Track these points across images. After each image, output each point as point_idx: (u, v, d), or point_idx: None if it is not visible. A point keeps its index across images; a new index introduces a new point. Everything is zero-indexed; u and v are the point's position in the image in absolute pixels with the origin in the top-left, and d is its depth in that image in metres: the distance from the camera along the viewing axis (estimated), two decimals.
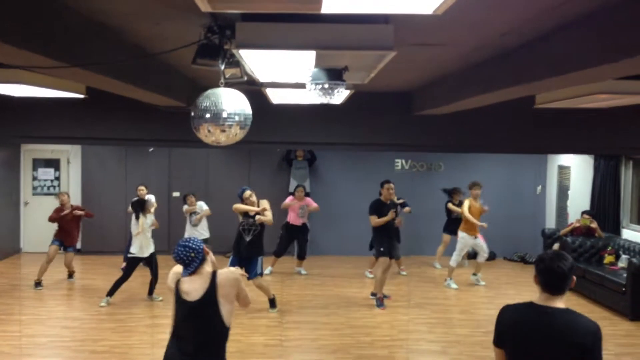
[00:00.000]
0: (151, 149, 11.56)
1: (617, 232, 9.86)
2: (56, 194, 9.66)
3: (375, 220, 8.23)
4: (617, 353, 6.55)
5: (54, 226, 9.49)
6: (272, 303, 7.93)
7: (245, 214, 7.81)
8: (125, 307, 8.11)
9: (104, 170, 11.72)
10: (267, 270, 9.90)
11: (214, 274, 3.51)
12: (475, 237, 9.55)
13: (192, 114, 3.22)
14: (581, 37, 2.78)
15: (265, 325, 7.45)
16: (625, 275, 8.23)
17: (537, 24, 2.96)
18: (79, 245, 11.55)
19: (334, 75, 3.14)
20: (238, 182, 11.75)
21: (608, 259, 9.20)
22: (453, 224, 10.39)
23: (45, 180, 11.93)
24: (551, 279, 2.86)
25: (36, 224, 11.54)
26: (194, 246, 3.53)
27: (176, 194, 11.72)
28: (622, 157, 9.79)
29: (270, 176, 11.87)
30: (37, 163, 11.89)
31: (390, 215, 8.14)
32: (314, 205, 10.06)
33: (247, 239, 7.74)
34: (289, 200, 10.15)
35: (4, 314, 7.80)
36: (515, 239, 11.79)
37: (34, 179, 11.90)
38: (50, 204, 11.34)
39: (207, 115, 3.15)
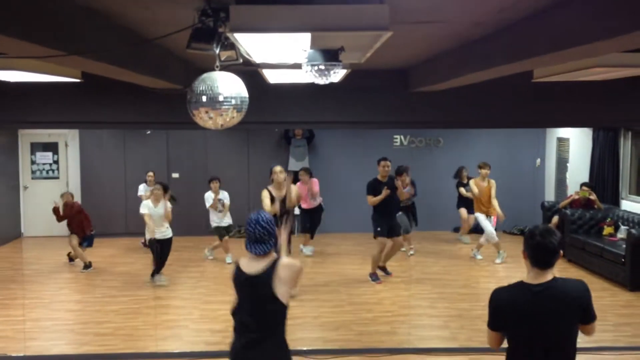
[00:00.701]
0: (148, 132, 11.53)
1: (616, 203, 9.89)
2: (61, 194, 9.67)
3: (371, 200, 8.25)
4: (616, 323, 6.62)
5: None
6: None
7: (273, 200, 7.43)
8: (129, 289, 8.17)
9: (102, 153, 11.71)
10: (308, 251, 10.05)
11: (277, 259, 3.47)
12: (489, 217, 9.56)
13: (188, 98, 3.20)
14: (578, 13, 2.76)
15: None
16: (624, 246, 8.29)
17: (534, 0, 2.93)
18: None
19: (330, 55, 3.11)
20: (237, 161, 11.77)
21: (607, 230, 9.24)
22: (464, 200, 10.53)
23: (44, 164, 11.93)
24: (543, 254, 2.89)
25: (36, 208, 11.58)
26: (271, 228, 3.48)
27: (175, 175, 11.73)
28: (620, 129, 9.78)
29: (270, 155, 11.86)
30: (35, 147, 11.88)
31: (384, 193, 8.10)
32: (315, 190, 9.87)
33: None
34: (300, 189, 10.00)
35: (8, 298, 7.86)
36: (514, 212, 11.81)
37: (33, 163, 11.90)
38: (49, 188, 11.37)
39: (203, 99, 3.13)
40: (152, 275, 8.42)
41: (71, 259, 9.61)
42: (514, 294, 2.96)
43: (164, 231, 8.31)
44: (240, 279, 3.52)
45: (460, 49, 4.51)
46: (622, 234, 8.91)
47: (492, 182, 9.64)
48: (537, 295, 2.88)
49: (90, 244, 9.37)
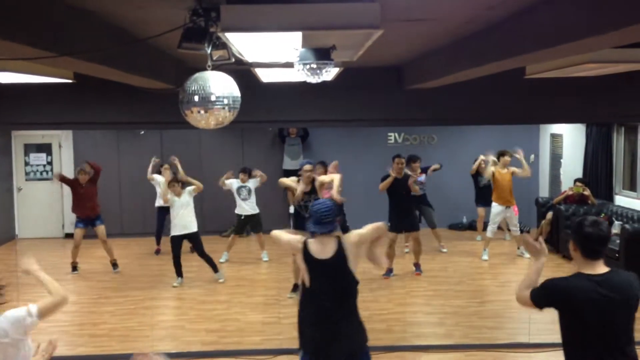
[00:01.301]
0: (142, 132, 11.50)
1: (610, 198, 9.92)
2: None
3: (381, 185, 8.41)
4: None
5: (50, 212, 9.42)
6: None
7: (304, 192, 7.35)
8: (124, 290, 8.16)
9: (96, 154, 11.64)
10: None
11: (339, 238, 3.77)
12: (508, 207, 9.43)
13: (180, 98, 3.20)
14: (566, 9, 2.77)
15: (263, 303, 7.51)
16: (618, 241, 8.31)
17: None
18: (73, 230, 11.58)
19: (322, 54, 3.11)
20: (231, 160, 11.73)
21: None
22: (482, 194, 10.27)
23: (38, 165, 11.89)
24: (594, 244, 2.93)
25: (30, 210, 11.54)
26: (334, 210, 3.77)
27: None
28: (613, 124, 9.81)
29: (264, 153, 11.86)
30: (29, 148, 11.83)
31: (391, 177, 8.21)
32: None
33: (306, 215, 7.30)
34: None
35: (2, 300, 7.83)
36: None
37: (26, 164, 11.85)
38: (43, 189, 11.34)
39: (196, 99, 3.12)
40: (179, 275, 8.27)
41: (74, 268, 9.26)
42: (574, 284, 2.96)
43: (189, 225, 8.19)
44: (314, 265, 3.70)
45: (453, 46, 4.52)
46: (616, 229, 8.94)
47: (513, 169, 9.44)
48: (599, 284, 2.90)
49: (102, 221, 9.16)
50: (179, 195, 8.28)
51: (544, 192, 11.96)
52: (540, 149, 12.21)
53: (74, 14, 3.06)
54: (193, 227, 8.26)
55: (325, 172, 9.01)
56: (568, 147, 11.19)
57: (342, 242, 3.75)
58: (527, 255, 9.42)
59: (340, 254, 3.70)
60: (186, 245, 8.50)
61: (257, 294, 7.88)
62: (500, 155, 9.58)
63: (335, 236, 3.77)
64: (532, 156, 12.18)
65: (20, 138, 11.71)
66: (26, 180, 11.85)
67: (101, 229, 9.07)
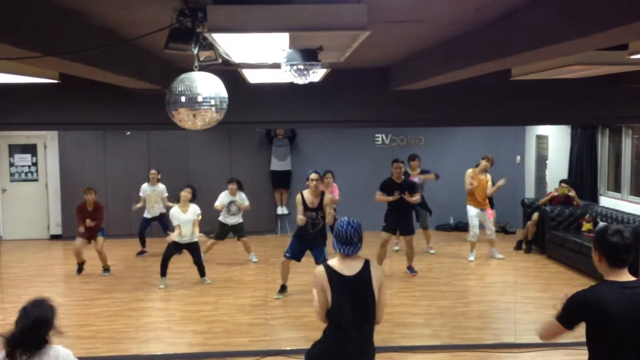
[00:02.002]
0: (128, 132, 11.44)
1: (595, 199, 10.02)
2: (84, 189, 9.19)
3: (378, 196, 8.48)
4: None
5: (35, 213, 9.34)
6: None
7: (306, 208, 7.25)
8: (109, 292, 8.11)
9: (82, 154, 11.59)
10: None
11: (367, 260, 3.73)
12: (482, 210, 9.51)
13: (167, 98, 3.19)
14: (553, 11, 2.79)
15: (250, 304, 7.49)
16: None
17: None
18: (59, 231, 11.49)
19: (309, 55, 3.11)
20: (219, 161, 11.71)
21: (586, 226, 9.37)
22: None
23: (23, 166, 11.78)
24: (621, 253, 2.89)
25: (15, 212, 11.43)
26: (360, 231, 3.71)
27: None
28: (598, 126, 9.90)
29: (252, 154, 11.84)
30: (13, 149, 11.72)
31: (396, 196, 8.27)
32: (336, 197, 9.33)
33: (312, 231, 7.34)
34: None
35: None
36: (495, 210, 11.91)
37: (11, 165, 11.74)
38: (28, 190, 11.23)
39: (182, 100, 3.11)
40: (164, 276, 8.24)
41: (105, 269, 9.09)
42: (604, 292, 2.90)
43: (191, 237, 8.20)
44: (339, 282, 3.63)
45: (440, 48, 4.54)
46: None
47: (489, 176, 9.54)
48: (630, 292, 2.87)
49: (103, 233, 9.10)
50: (185, 206, 8.24)
51: (529, 193, 12.05)
52: (526, 150, 12.30)
53: (58, 14, 3.03)
54: (194, 237, 8.27)
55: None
56: (553, 148, 11.28)
57: (369, 263, 3.73)
58: (499, 256, 9.55)
59: (366, 272, 3.66)
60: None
61: (244, 295, 7.85)
62: (482, 159, 9.61)
63: (362, 258, 3.74)
64: (518, 157, 12.27)
65: (4, 139, 11.59)
66: (11, 181, 11.73)
67: (101, 240, 8.98)
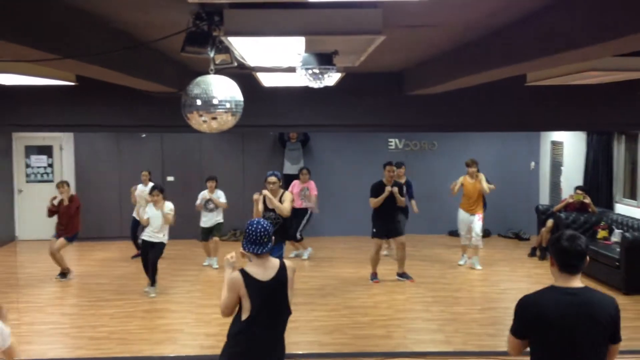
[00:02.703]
0: (143, 135, 11.52)
1: (610, 207, 9.92)
2: (57, 183, 9.19)
3: (372, 202, 8.40)
4: None
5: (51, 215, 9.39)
6: None
7: (266, 208, 7.19)
8: (123, 293, 8.15)
9: (97, 156, 11.69)
10: (305, 255, 10.14)
11: (282, 261, 3.72)
12: (472, 215, 9.51)
13: (183, 101, 3.21)
14: (567, 17, 2.78)
15: None
16: (618, 249, 8.31)
17: (525, 3, 2.95)
18: None
19: (324, 59, 3.13)
20: (232, 164, 11.76)
21: (602, 233, 9.27)
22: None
23: (39, 167, 11.89)
24: (571, 258, 2.86)
25: (31, 212, 11.53)
26: (270, 230, 3.68)
27: (170, 178, 11.71)
28: (614, 132, 9.81)
29: (264, 158, 11.86)
30: (30, 150, 11.84)
31: (386, 191, 8.23)
32: (314, 193, 9.98)
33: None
34: (293, 186, 10.08)
35: (2, 302, 7.82)
36: (509, 216, 11.86)
37: (27, 166, 11.86)
38: (44, 192, 11.33)
39: (198, 103, 3.14)
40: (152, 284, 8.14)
41: (63, 274, 8.99)
42: (545, 297, 2.88)
43: (159, 236, 8.05)
44: (256, 288, 3.59)
45: (454, 53, 4.54)
46: (616, 237, 8.94)
47: (481, 175, 9.48)
48: (571, 298, 2.84)
49: (73, 240, 8.98)
50: (157, 204, 8.04)
51: (544, 199, 11.96)
52: (541, 156, 12.22)
53: (77, 17, 3.07)
54: (161, 238, 8.07)
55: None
56: (569, 154, 11.20)
57: (285, 264, 3.71)
58: (479, 267, 9.46)
59: (282, 274, 3.65)
60: (182, 249, 8.43)
61: None
62: (466, 165, 9.57)
63: (276, 261, 3.72)
64: (533, 163, 12.19)
65: (21, 140, 11.73)
66: (27, 182, 11.86)
67: (62, 242, 8.79)
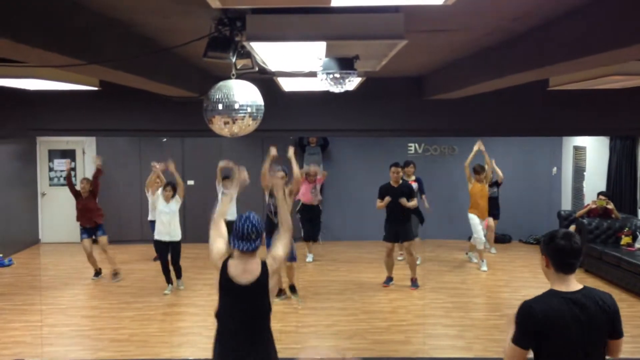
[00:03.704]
0: (164, 139, 11.62)
1: (634, 213, 9.78)
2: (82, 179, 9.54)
3: (377, 204, 8.52)
4: (634, 335, 6.53)
5: (73, 217, 9.53)
6: (291, 289, 7.99)
7: (271, 194, 7.60)
8: (143, 296, 8.22)
9: (118, 160, 11.81)
10: (309, 258, 10.20)
11: (264, 262, 3.54)
12: (482, 219, 9.60)
13: (205, 105, 3.24)
14: (594, 21, 2.75)
15: (282, 311, 7.51)
16: None
17: (549, 7, 2.93)
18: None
19: (345, 64, 3.13)
20: (252, 169, 11.77)
21: (625, 240, 9.14)
22: (491, 205, 10.17)
23: (62, 171, 12.04)
24: (568, 257, 2.78)
25: (54, 215, 11.70)
26: (260, 227, 3.51)
27: (191, 182, 11.79)
28: (638, 137, 9.68)
29: (284, 162, 11.86)
30: (53, 154, 12.01)
31: (386, 200, 8.34)
32: (321, 179, 10.27)
33: (276, 220, 7.65)
34: (303, 187, 10.20)
35: (25, 304, 7.94)
36: (530, 221, 11.74)
37: (50, 170, 12.03)
38: (66, 195, 11.47)
39: (220, 107, 3.16)
40: (169, 283, 8.39)
41: (97, 273, 9.25)
42: (546, 302, 2.77)
43: (173, 233, 8.23)
44: (230, 290, 3.43)
45: (476, 57, 4.51)
46: None
47: (488, 176, 9.78)
48: (572, 303, 2.75)
49: (104, 232, 9.17)
50: (167, 200, 8.28)
51: (566, 205, 11.82)
52: (563, 161, 12.08)
53: (101, 23, 3.12)
54: (176, 236, 8.27)
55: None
56: (591, 159, 11.06)
57: (267, 266, 3.52)
58: (475, 260, 9.76)
59: (263, 278, 3.47)
60: (203, 251, 8.48)
61: (275, 302, 7.87)
62: (476, 172, 9.65)
63: (259, 260, 3.52)
64: (555, 169, 12.06)
65: (45, 144, 11.90)
66: (50, 185, 12.03)
67: (103, 239, 9.05)
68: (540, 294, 2.83)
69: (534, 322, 2.75)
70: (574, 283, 2.81)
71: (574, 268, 2.81)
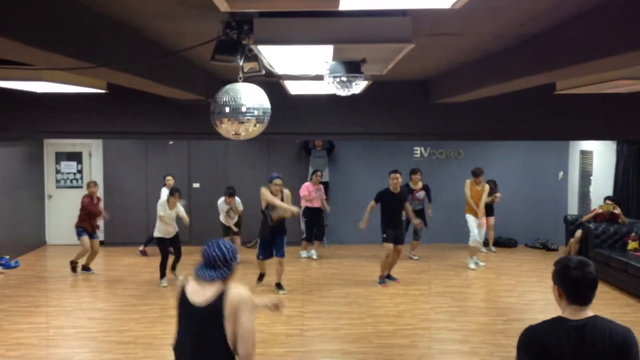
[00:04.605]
0: (171, 142, 11.66)
1: None
2: (87, 183, 9.99)
3: (370, 204, 8.89)
4: None
5: (75, 217, 9.64)
6: (280, 285, 8.48)
7: (267, 207, 8.24)
8: (149, 298, 8.23)
9: (125, 163, 11.85)
10: (314, 255, 10.63)
11: (226, 289, 3.11)
12: (479, 219, 9.87)
13: (212, 108, 3.25)
14: (598, 26, 2.75)
15: (287, 315, 7.51)
16: None
17: (556, 12, 2.93)
18: (101, 237, 11.75)
19: (352, 67, 3.14)
20: (257, 172, 11.81)
21: (632, 245, 9.10)
22: (486, 207, 10.43)
23: (68, 173, 12.11)
24: (582, 288, 2.54)
25: (60, 217, 11.73)
26: (229, 255, 3.15)
27: (196, 185, 11.82)
28: None
29: (289, 166, 11.90)
30: (60, 156, 12.07)
31: (371, 205, 8.79)
32: (325, 204, 10.64)
33: (272, 224, 8.27)
34: (308, 191, 10.33)
35: (32, 305, 7.97)
36: (536, 226, 11.70)
37: (57, 172, 12.08)
38: (73, 197, 11.53)
39: (226, 110, 3.17)
40: (162, 277, 8.76)
41: (86, 268, 9.65)
42: (548, 329, 2.57)
43: (172, 232, 8.96)
44: (185, 310, 3.17)
45: (482, 61, 4.51)
46: None
47: (486, 186, 10.00)
48: (577, 331, 2.52)
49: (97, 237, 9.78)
50: (172, 205, 8.95)
51: (572, 209, 11.78)
52: (570, 165, 12.04)
53: (110, 26, 3.13)
54: (176, 229, 9.10)
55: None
56: (598, 164, 11.02)
57: (228, 292, 3.07)
58: (482, 263, 10.01)
59: (219, 302, 3.05)
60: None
61: (257, 286, 7.95)
62: (476, 175, 9.94)
63: (221, 286, 3.11)
64: (561, 173, 12.02)
65: (52, 146, 11.96)
66: (56, 187, 12.08)
67: (98, 242, 9.76)
68: (547, 319, 2.64)
69: (531, 348, 2.59)
70: (586, 312, 2.57)
71: (589, 300, 2.56)
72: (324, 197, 10.65)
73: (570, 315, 2.56)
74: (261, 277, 8.61)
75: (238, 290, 3.09)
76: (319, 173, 10.55)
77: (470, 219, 9.87)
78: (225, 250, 3.13)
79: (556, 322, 2.58)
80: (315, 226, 10.61)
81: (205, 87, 5.49)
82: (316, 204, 10.45)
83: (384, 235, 8.75)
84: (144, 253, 10.80)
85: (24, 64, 3.30)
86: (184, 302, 3.17)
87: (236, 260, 3.19)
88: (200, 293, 3.11)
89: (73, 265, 9.57)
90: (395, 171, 8.84)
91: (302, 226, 10.54)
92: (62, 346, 6.57)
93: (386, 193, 8.76)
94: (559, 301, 2.61)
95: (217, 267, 3.12)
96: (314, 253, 10.70)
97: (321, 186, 10.59)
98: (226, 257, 3.13)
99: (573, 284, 2.54)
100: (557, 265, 2.64)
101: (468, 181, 10.02)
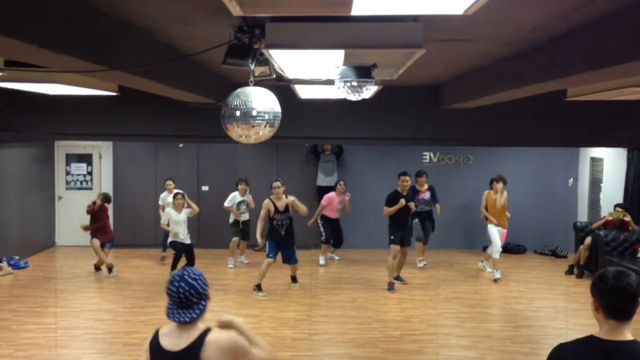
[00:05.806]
0: (181, 145, 11.70)
1: None
2: (98, 194, 10.24)
3: (386, 210, 8.88)
4: None
5: (88, 221, 9.75)
6: (295, 279, 8.90)
7: (277, 211, 8.37)
8: (157, 300, 8.25)
9: (134, 165, 11.90)
10: (335, 257, 10.83)
11: (206, 331, 2.68)
12: (499, 228, 9.69)
13: (222, 112, 3.26)
14: (612, 32, 2.74)
15: (294, 319, 7.51)
16: None
17: (568, 18, 2.92)
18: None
19: (363, 72, 3.14)
20: (266, 175, 11.81)
21: None
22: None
23: (78, 175, 12.17)
24: (620, 300, 2.31)
25: (70, 218, 11.80)
26: (200, 285, 2.67)
27: (205, 188, 11.85)
28: None
29: (298, 170, 11.90)
30: (70, 158, 12.14)
31: (400, 203, 8.70)
32: (347, 206, 10.55)
33: (282, 232, 8.40)
34: (331, 199, 10.36)
35: (40, 306, 8.01)
36: (546, 233, 11.64)
37: (67, 173, 12.15)
38: (82, 198, 11.60)
39: (237, 114, 3.18)
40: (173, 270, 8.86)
41: (97, 268, 9.77)
42: (579, 350, 2.37)
43: (184, 238, 9.11)
44: (159, 356, 2.70)
45: (493, 67, 4.50)
46: None
47: (505, 194, 9.77)
48: (609, 354, 2.31)
49: (112, 245, 9.94)
50: (179, 208, 9.15)
51: (582, 216, 11.71)
52: (580, 172, 11.98)
53: (122, 30, 3.16)
54: (187, 240, 9.23)
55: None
56: (608, 171, 10.95)
57: (206, 338, 2.64)
58: (489, 269, 9.88)
59: (197, 347, 2.61)
60: (216, 257, 8.56)
61: (288, 309, 7.88)
62: (495, 182, 9.72)
63: (201, 327, 2.68)
64: (571, 180, 11.96)
65: (62, 148, 12.03)
66: (67, 189, 12.15)
67: (106, 251, 9.89)
68: (580, 337, 2.44)
69: None
70: (624, 331, 2.33)
71: (629, 315, 2.33)
72: (346, 203, 10.50)
73: (606, 334, 2.35)
74: (259, 287, 8.49)
75: (221, 335, 2.69)
76: (341, 182, 10.47)
77: (492, 229, 9.65)
78: (193, 281, 2.65)
79: (586, 342, 2.38)
80: (334, 233, 10.55)
81: (216, 90, 5.52)
82: (335, 214, 10.40)
83: (392, 237, 8.82)
84: (163, 259, 10.64)
85: (37, 65, 3.33)
86: (156, 350, 2.72)
87: (207, 285, 2.72)
88: (176, 337, 2.68)
89: (97, 267, 9.78)
90: (404, 173, 8.97)
91: (321, 229, 10.52)
92: (70, 347, 6.60)
93: (395, 195, 8.87)
94: (596, 316, 2.40)
95: (192, 303, 2.65)
96: (334, 255, 10.82)
97: (344, 197, 10.41)
98: (198, 289, 2.66)
99: (610, 296, 2.32)
100: (594, 276, 2.44)
101: (486, 192, 9.85)
